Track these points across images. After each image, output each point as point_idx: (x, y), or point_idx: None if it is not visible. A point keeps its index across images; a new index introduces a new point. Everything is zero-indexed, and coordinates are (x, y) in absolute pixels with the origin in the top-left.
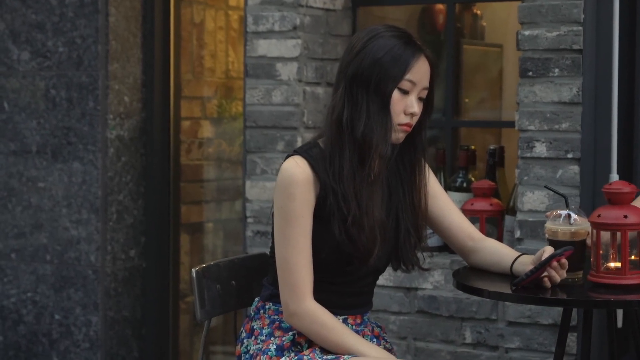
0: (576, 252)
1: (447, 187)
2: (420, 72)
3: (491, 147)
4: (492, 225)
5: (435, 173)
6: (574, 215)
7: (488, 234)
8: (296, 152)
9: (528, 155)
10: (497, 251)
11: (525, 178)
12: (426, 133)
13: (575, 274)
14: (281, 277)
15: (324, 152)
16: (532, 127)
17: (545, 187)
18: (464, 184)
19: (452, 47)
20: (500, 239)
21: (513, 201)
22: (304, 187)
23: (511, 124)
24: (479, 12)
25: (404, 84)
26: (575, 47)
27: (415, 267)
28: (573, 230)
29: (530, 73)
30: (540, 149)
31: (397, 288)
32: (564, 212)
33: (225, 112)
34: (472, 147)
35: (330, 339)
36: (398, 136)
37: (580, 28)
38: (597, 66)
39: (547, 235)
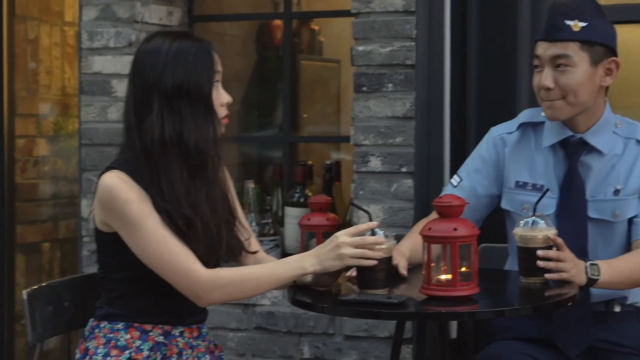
0: (384, 268)
1: (285, 202)
2: (218, 61)
3: (327, 162)
4: None
5: (273, 188)
6: (379, 232)
7: None
8: (111, 167)
9: (363, 169)
10: None
11: (361, 192)
12: None
13: (383, 290)
14: (170, 276)
15: (141, 172)
16: (366, 142)
17: (351, 204)
18: (301, 199)
19: (290, 62)
20: None
21: (349, 215)
22: (135, 189)
23: (348, 139)
24: (316, 27)
25: (216, 77)
26: (408, 62)
27: (242, 252)
28: (378, 247)
29: (365, 88)
30: (375, 163)
31: (235, 305)
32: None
33: (61, 130)
34: (309, 162)
35: (248, 287)
36: (222, 131)
37: (413, 43)
38: (429, 81)
39: None
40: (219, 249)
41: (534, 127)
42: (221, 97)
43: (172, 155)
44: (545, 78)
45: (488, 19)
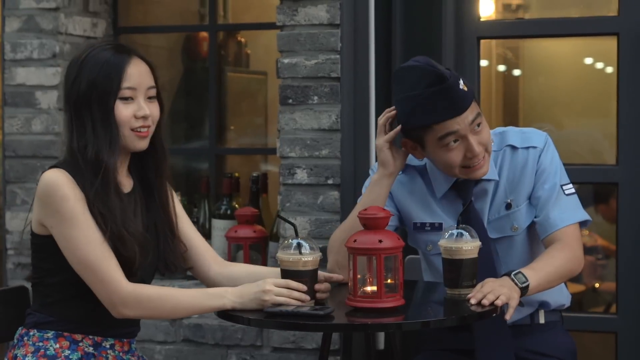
0: (309, 281)
1: (212, 215)
2: (137, 75)
3: (254, 174)
4: (256, 251)
5: (200, 200)
6: (305, 244)
7: (252, 261)
8: (54, 166)
9: (289, 181)
10: (252, 273)
11: (288, 204)
12: (163, 134)
13: (309, 302)
14: (91, 281)
15: (80, 174)
16: (293, 154)
17: (277, 216)
18: (228, 211)
19: (216, 74)
20: (264, 264)
21: (276, 228)
22: (73, 187)
23: (275, 151)
24: (243, 39)
25: (124, 93)
26: (334, 75)
27: (178, 268)
28: (304, 259)
29: (291, 100)
30: (302, 176)
31: None
32: (294, 242)
33: None
34: (236, 174)
35: (166, 307)
36: (139, 144)
37: (338, 56)
38: (355, 93)
39: (280, 266)
40: (131, 264)
41: (419, 171)
42: (136, 110)
43: (81, 164)
44: (475, 146)
45: (412, 31)
